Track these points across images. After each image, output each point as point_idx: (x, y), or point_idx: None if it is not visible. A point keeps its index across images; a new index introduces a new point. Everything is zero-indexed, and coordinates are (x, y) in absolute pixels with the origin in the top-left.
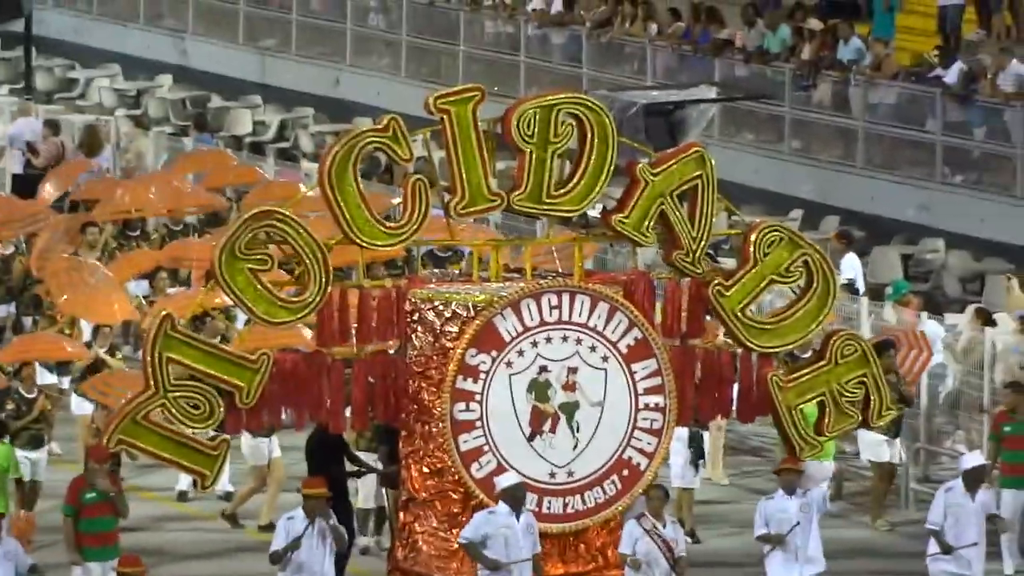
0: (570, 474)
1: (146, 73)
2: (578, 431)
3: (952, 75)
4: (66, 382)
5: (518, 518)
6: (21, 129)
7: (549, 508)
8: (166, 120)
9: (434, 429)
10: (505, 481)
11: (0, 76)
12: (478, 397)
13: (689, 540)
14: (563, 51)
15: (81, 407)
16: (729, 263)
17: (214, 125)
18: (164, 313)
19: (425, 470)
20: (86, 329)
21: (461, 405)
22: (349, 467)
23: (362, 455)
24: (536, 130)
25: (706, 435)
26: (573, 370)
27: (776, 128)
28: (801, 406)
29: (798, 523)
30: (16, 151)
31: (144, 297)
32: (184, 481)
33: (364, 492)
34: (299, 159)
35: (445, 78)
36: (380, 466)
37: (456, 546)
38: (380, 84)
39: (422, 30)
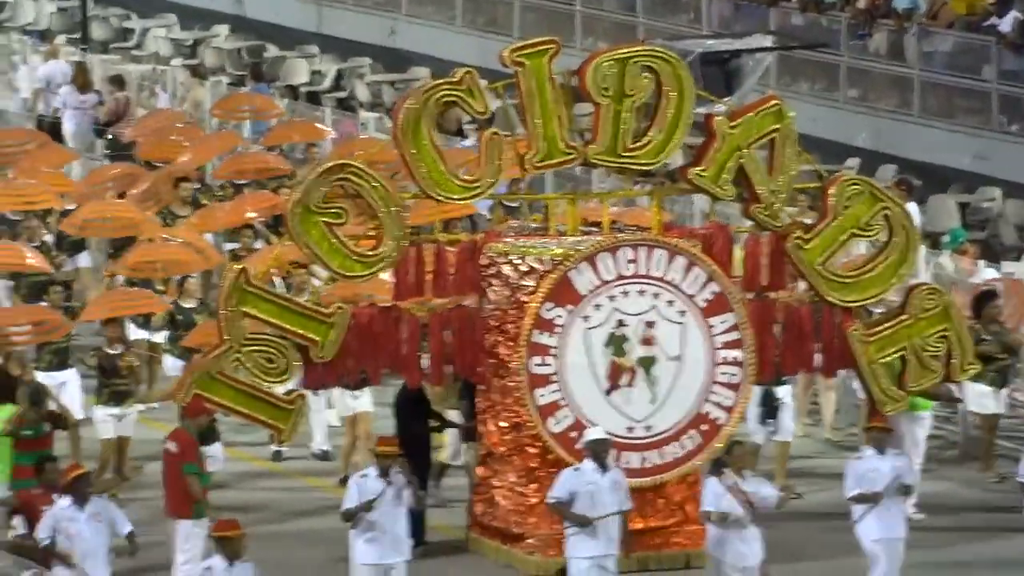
0: (648, 428)
1: (202, 23)
2: (656, 385)
3: (1007, 24)
4: (158, 337)
5: (603, 473)
6: (52, 71)
7: (627, 463)
8: (222, 70)
9: (511, 384)
10: (590, 435)
11: (57, 26)
12: (554, 351)
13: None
14: (619, 0)
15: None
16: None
17: (270, 75)
18: (238, 267)
19: (502, 425)
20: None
21: (537, 359)
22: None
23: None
24: (612, 83)
25: (788, 389)
26: (651, 324)
27: (832, 77)
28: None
29: (898, 477)
30: (48, 93)
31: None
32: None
33: (452, 448)
34: (356, 109)
35: (500, 28)
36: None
37: (534, 501)
38: (435, 34)
39: None
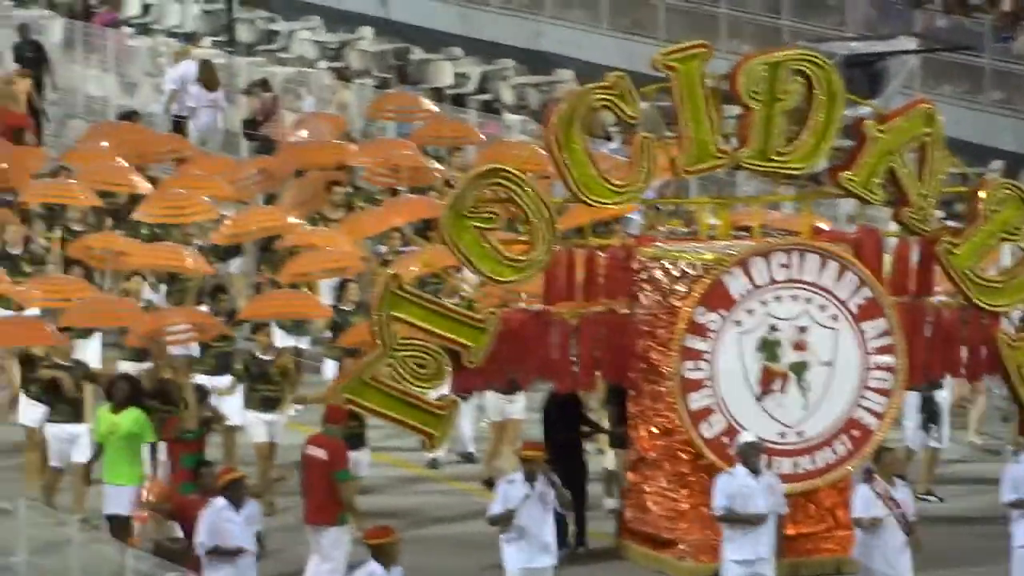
0: (800, 434)
1: (347, 25)
2: (808, 391)
3: None
4: (304, 342)
5: (757, 477)
6: (185, 71)
7: (779, 468)
8: (367, 73)
9: (662, 388)
10: (742, 440)
11: (204, 28)
12: (707, 356)
13: (932, 499)
14: (763, 2)
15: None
16: None
17: (415, 77)
18: (391, 272)
19: (654, 430)
20: (324, 288)
21: (690, 364)
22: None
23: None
24: (763, 87)
25: (945, 394)
26: (803, 329)
27: (976, 79)
28: None
29: None
30: (183, 94)
31: (379, 257)
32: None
33: (610, 453)
34: (500, 111)
35: (644, 30)
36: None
37: (685, 506)
38: (580, 36)
39: None
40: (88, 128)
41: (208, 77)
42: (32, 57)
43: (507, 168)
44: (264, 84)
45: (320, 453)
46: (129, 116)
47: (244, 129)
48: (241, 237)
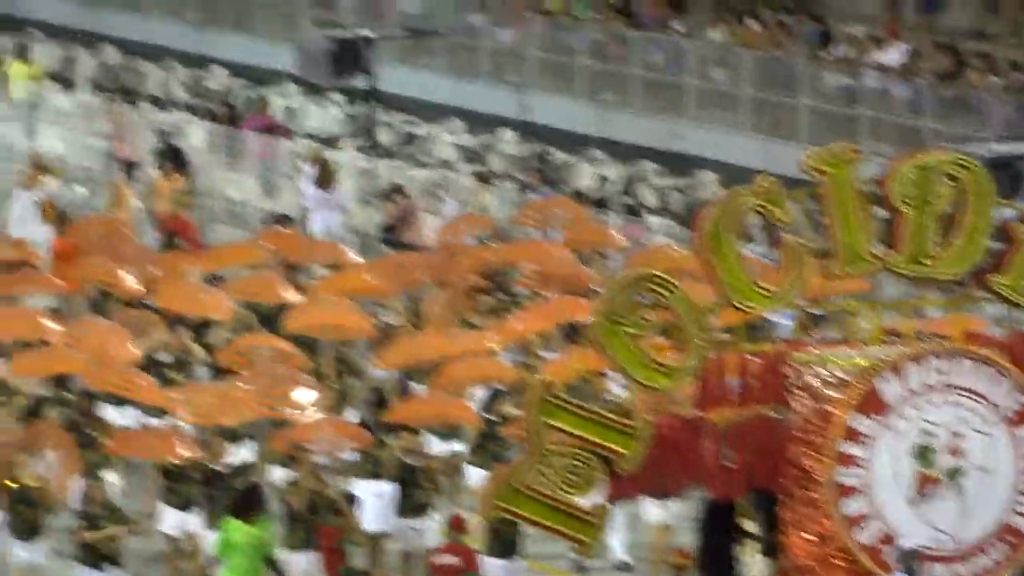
0: (955, 540)
1: (488, 128)
2: (963, 496)
3: None
4: (456, 446)
5: None
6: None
7: (934, 575)
8: (508, 175)
9: (816, 495)
10: (901, 547)
11: (345, 131)
12: (861, 462)
13: None
14: (904, 104)
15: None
16: None
17: (556, 179)
18: (542, 379)
19: (807, 537)
20: (477, 394)
21: (844, 470)
22: None
23: None
24: (915, 191)
25: None
26: (958, 435)
27: None
28: None
29: None
30: None
31: (519, 361)
32: None
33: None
34: (641, 213)
35: (785, 131)
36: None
37: None
38: (721, 137)
39: (762, 83)
40: (244, 238)
41: (323, 176)
42: (174, 162)
43: (657, 273)
44: (399, 189)
45: (452, 560)
46: (281, 221)
47: (382, 234)
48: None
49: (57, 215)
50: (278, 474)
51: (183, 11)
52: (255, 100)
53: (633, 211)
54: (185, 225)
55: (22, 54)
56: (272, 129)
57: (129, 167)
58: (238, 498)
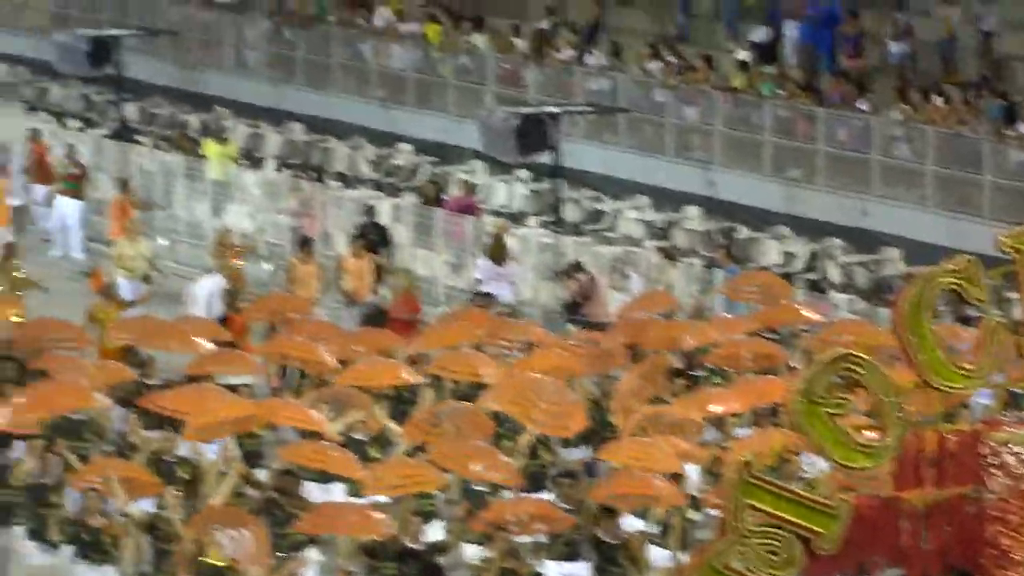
0: None
1: (673, 204)
2: None
3: None
4: (647, 526)
5: None
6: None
7: None
8: (693, 251)
9: (1013, 575)
10: None
11: (531, 208)
12: None
13: None
14: None
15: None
16: None
17: (742, 256)
18: (742, 459)
19: None
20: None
21: None
22: None
23: None
24: None
25: None
26: None
27: None
28: None
29: None
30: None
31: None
32: None
33: None
34: (826, 290)
35: (971, 208)
36: None
37: None
38: (906, 214)
39: (946, 159)
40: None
41: (495, 250)
42: (374, 239)
43: (856, 353)
44: (579, 267)
45: None
46: (481, 299)
47: (566, 311)
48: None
49: (235, 294)
50: (472, 552)
51: (369, 89)
52: (458, 180)
53: (818, 287)
54: (408, 302)
55: (218, 134)
56: (473, 209)
57: (307, 243)
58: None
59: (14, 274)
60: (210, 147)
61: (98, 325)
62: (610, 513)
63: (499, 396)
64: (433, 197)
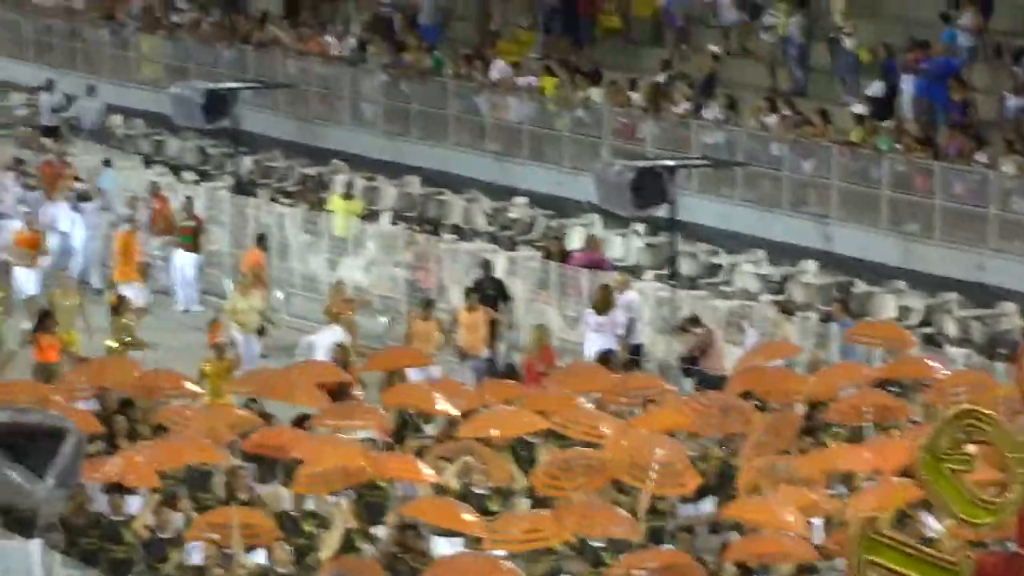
0: None
1: (790, 258)
2: None
3: None
4: None
5: None
6: (628, 301)
7: None
8: (810, 306)
9: None
10: None
11: (647, 262)
12: None
13: None
14: None
15: None
16: None
17: (858, 310)
18: (866, 515)
19: None
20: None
21: None
22: None
23: None
24: None
25: None
26: None
27: None
28: None
29: None
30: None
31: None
32: None
33: None
34: (942, 344)
35: None
36: None
37: None
38: (1022, 268)
39: None
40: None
41: (600, 302)
42: (491, 293)
43: (979, 409)
44: (695, 320)
45: None
46: (605, 356)
47: (683, 365)
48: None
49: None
50: None
51: (484, 142)
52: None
53: (934, 341)
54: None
55: (343, 190)
56: (601, 265)
57: (428, 301)
58: None
59: (123, 335)
60: (336, 202)
61: (207, 381)
62: (745, 571)
63: (615, 456)
64: (557, 252)
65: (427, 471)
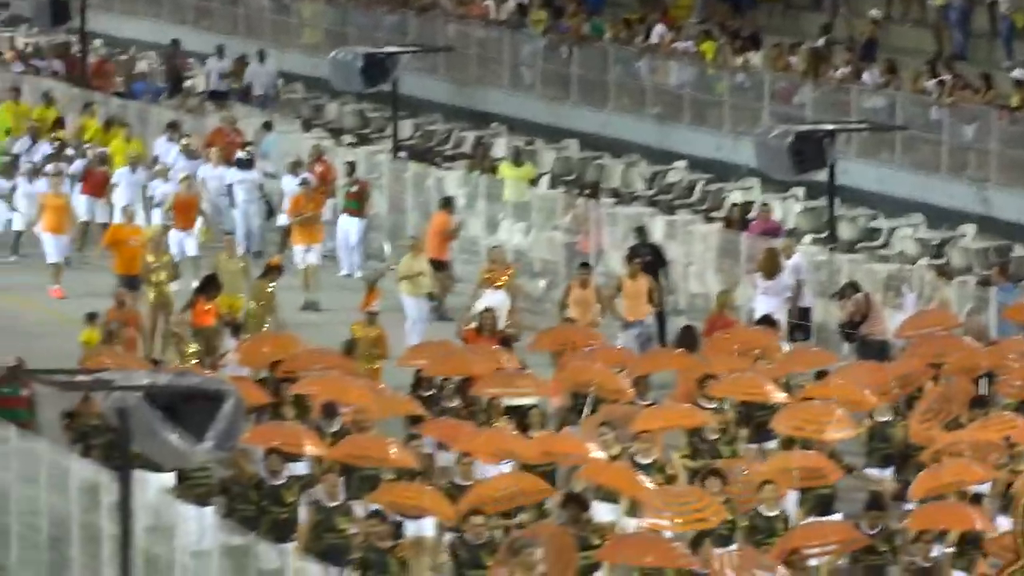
0: None
1: (949, 223)
2: None
3: None
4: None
5: None
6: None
7: None
8: (968, 270)
9: None
10: None
11: (806, 226)
12: None
13: None
14: None
15: None
16: None
17: (1017, 274)
18: None
19: None
20: None
21: None
22: None
23: None
24: None
25: None
26: None
27: None
28: None
29: None
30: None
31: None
32: None
33: None
34: None
35: None
36: None
37: None
38: None
39: None
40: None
41: (767, 264)
42: (649, 261)
43: None
44: (854, 286)
45: None
46: (768, 320)
47: (842, 330)
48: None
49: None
50: None
51: (645, 106)
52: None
53: None
54: (723, 319)
55: (515, 156)
56: (778, 232)
57: (585, 265)
58: None
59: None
60: (507, 169)
61: (358, 344)
62: (923, 538)
63: (788, 420)
64: (738, 220)
65: (594, 450)
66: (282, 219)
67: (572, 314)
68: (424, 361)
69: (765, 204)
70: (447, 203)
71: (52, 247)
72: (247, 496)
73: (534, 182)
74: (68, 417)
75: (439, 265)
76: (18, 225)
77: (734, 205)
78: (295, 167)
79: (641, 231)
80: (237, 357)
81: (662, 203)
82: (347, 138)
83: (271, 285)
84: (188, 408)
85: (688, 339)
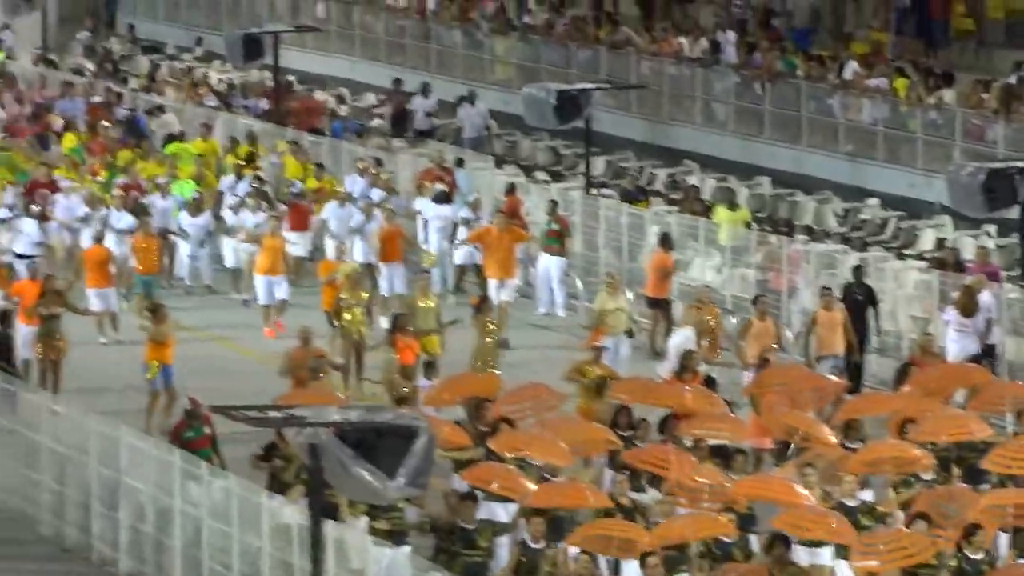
0: None
1: None
2: None
3: None
4: None
5: None
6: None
7: None
8: None
9: None
10: None
11: (999, 263)
12: None
13: None
14: None
15: None
16: None
17: None
18: None
19: None
20: None
21: None
22: None
23: None
24: None
25: None
26: None
27: None
28: None
29: None
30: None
31: None
32: None
33: None
34: None
35: None
36: None
37: None
38: None
39: None
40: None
41: (964, 304)
42: (860, 300)
43: None
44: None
45: None
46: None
47: None
48: None
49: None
50: None
51: (838, 144)
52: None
53: None
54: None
55: (729, 199)
56: (997, 276)
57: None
58: None
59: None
60: (721, 212)
61: (581, 382)
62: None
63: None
64: (952, 263)
65: (801, 492)
66: (458, 255)
67: (750, 347)
68: (629, 396)
69: (982, 247)
70: (665, 240)
71: (263, 289)
72: (449, 537)
73: (749, 225)
74: (264, 453)
75: (657, 303)
76: (230, 263)
77: (949, 248)
78: (474, 207)
79: (858, 270)
80: (443, 396)
81: (854, 240)
82: (540, 175)
83: (491, 323)
84: (380, 444)
85: (905, 377)
